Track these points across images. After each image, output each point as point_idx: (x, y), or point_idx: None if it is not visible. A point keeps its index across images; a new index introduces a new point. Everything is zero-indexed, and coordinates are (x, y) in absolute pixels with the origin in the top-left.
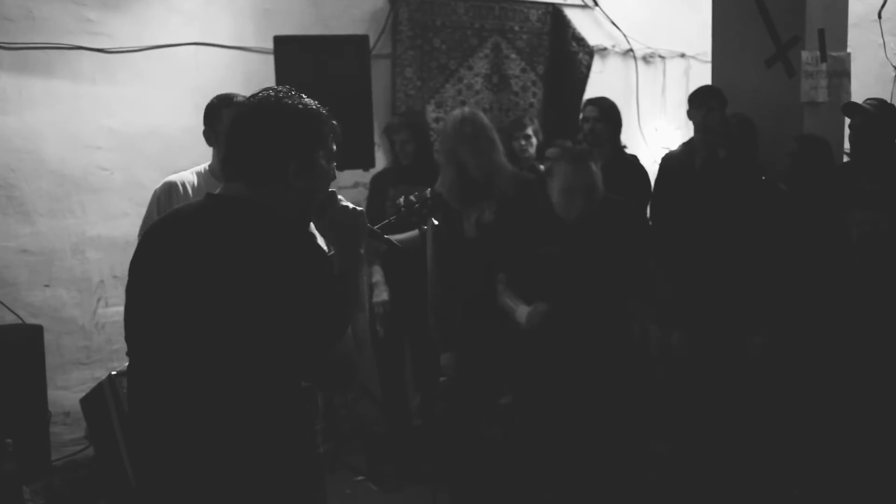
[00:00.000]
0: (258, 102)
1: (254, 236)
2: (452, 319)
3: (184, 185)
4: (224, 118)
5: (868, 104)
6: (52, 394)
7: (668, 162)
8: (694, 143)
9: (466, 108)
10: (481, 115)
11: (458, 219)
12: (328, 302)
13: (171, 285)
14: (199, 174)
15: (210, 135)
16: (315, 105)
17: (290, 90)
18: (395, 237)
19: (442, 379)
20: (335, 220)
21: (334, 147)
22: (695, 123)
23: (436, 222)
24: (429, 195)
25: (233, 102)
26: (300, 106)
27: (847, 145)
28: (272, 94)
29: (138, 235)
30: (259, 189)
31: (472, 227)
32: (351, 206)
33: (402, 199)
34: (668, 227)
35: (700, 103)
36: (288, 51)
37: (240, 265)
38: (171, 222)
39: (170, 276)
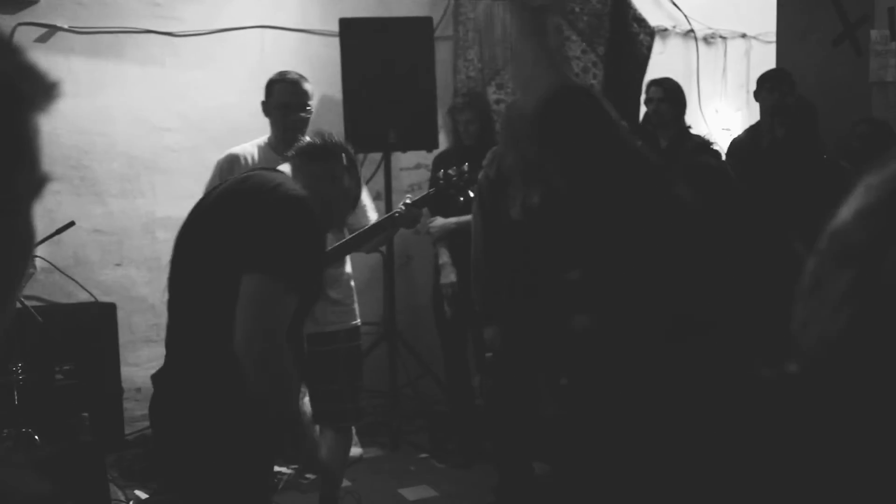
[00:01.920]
0: None
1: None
2: (497, 294)
3: (245, 157)
4: (275, 92)
5: None
6: (124, 370)
7: (736, 146)
8: (760, 125)
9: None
10: None
11: (504, 197)
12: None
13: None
14: (259, 147)
15: (266, 107)
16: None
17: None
18: (460, 219)
19: (488, 354)
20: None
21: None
22: (761, 106)
23: (472, 195)
24: (466, 169)
25: (285, 78)
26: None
27: None
28: None
29: None
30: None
31: (518, 209)
32: None
33: (441, 173)
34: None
35: (768, 86)
36: (353, 33)
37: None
38: None
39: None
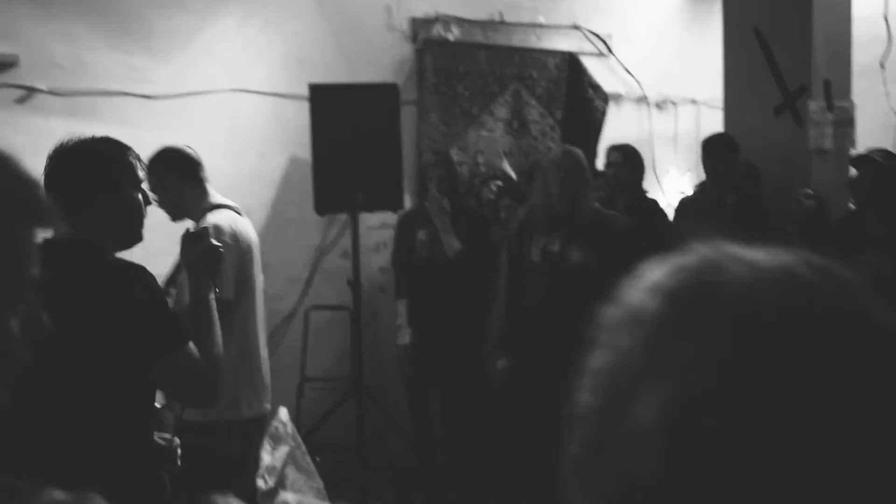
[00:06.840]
0: (61, 147)
1: (73, 274)
2: (511, 329)
3: None
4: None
5: (876, 155)
6: None
7: (684, 204)
8: (706, 186)
9: (570, 147)
10: (580, 155)
11: (529, 242)
12: (148, 315)
13: None
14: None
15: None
16: (115, 143)
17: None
18: None
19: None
20: (195, 255)
21: (141, 178)
22: (706, 169)
23: None
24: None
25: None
26: (99, 146)
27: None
28: (72, 139)
29: None
30: (77, 223)
31: (539, 252)
32: (216, 244)
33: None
34: None
35: (710, 151)
36: (322, 98)
37: (65, 303)
38: None
39: None
